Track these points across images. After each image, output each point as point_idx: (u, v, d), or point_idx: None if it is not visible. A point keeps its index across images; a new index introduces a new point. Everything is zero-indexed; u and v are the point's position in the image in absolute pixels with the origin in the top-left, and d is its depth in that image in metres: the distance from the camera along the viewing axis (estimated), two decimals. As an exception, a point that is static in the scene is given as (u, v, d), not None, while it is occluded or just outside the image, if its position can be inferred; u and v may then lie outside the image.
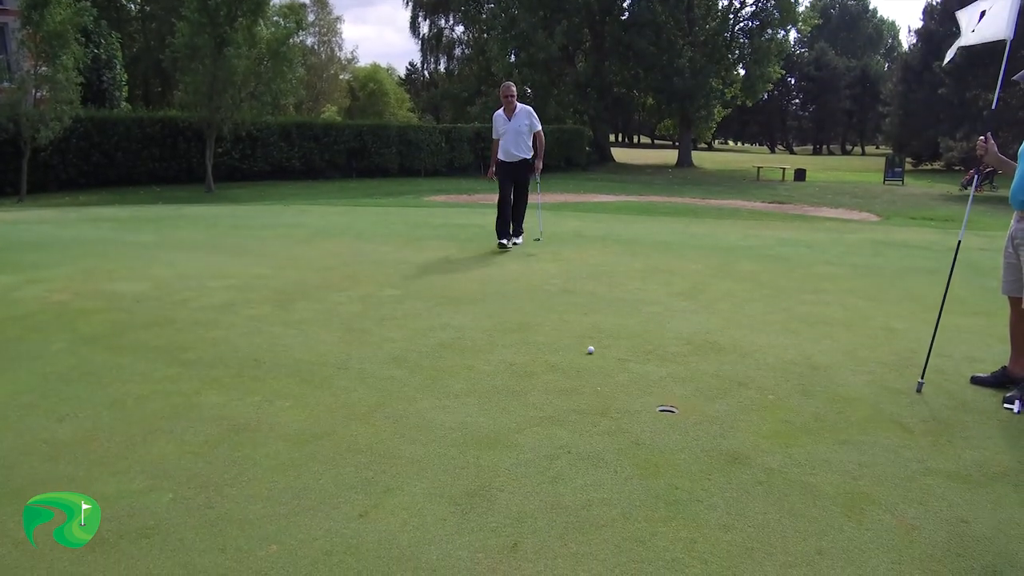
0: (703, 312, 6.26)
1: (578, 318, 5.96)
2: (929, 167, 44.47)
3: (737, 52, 43.25)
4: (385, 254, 8.85)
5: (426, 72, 64.72)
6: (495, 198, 9.64)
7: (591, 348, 5.04)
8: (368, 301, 6.38)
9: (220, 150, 24.74)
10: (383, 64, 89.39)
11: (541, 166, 9.59)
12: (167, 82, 40.43)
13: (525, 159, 9.36)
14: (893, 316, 6.37)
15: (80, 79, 20.51)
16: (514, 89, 9.49)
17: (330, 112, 57.44)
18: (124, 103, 28.66)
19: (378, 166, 29.26)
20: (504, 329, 5.56)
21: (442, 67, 61.35)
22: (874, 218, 15.39)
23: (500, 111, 9.46)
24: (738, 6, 42.84)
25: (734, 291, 7.18)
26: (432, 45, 58.79)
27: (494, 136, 9.59)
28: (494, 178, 9.53)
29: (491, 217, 9.70)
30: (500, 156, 9.43)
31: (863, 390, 4.44)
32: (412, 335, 5.35)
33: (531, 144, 9.40)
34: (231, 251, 9.10)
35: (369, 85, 60.47)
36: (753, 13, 42.57)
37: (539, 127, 9.43)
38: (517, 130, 9.25)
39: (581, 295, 6.78)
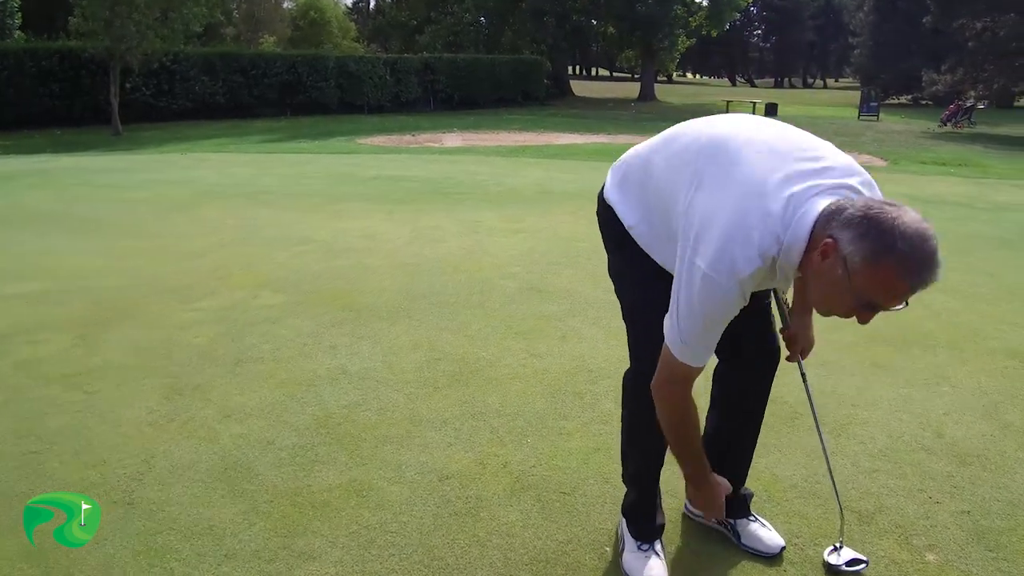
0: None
1: (554, 346, 3.83)
2: (896, 101, 42.79)
3: (703, -23, 40.62)
4: (285, 226, 6.56)
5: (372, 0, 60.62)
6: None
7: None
8: (230, 318, 4.16)
9: (129, 86, 21.66)
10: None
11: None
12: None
13: None
14: (1008, 326, 4.39)
15: (-52, 1, 17.29)
16: None
17: (268, 44, 53.46)
18: (18, 33, 25.07)
19: (315, 102, 26.34)
20: (435, 378, 3.41)
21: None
22: (881, 162, 13.42)
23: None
24: (705, -73, 40.03)
25: (767, 283, 5.12)
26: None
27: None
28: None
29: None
30: None
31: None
32: (277, 399, 3.18)
33: None
34: (73, 226, 6.71)
35: (310, 14, 56.35)
36: (720, -66, 39.77)
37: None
38: None
39: (555, 297, 4.63)
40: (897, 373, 3.66)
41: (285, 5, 64.58)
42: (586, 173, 10.26)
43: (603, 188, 2.14)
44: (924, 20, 27.14)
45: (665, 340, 1.76)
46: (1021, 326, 4.42)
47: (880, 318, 4.31)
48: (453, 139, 15.60)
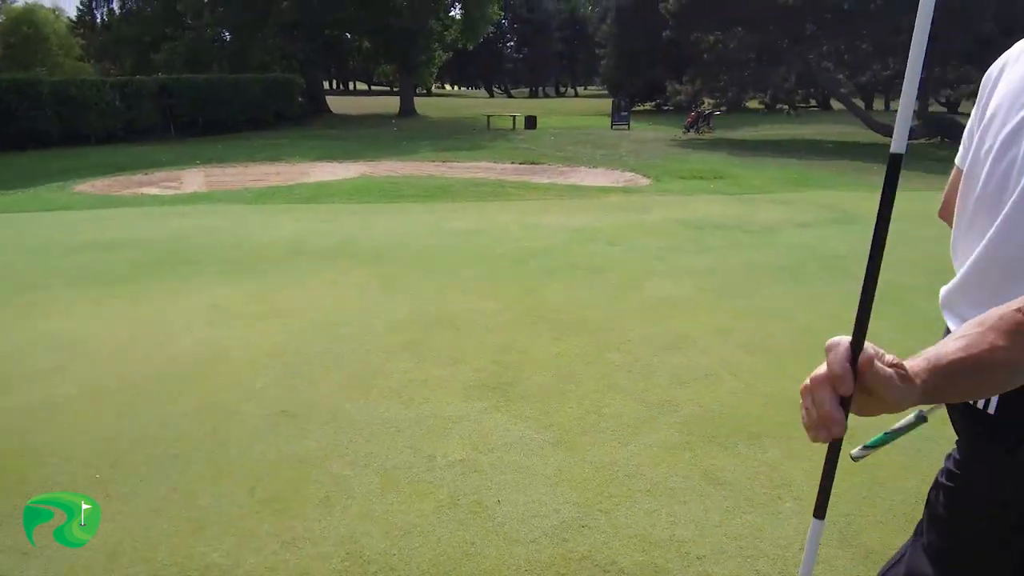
0: (553, 450, 3.39)
1: (315, 521, 2.83)
2: (642, 107, 45.69)
3: (454, -8, 40.73)
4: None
5: (99, 13, 54.71)
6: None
7: None
8: None
9: None
10: (47, 3, 75.27)
11: None
12: None
13: None
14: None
15: None
16: None
17: (-28, 64, 46.45)
18: None
19: (29, 133, 22.67)
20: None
21: (116, 6, 52.15)
22: (645, 180, 13.55)
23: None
24: (450, -59, 40.08)
25: (565, 355, 4.43)
26: (100, -21, 49.47)
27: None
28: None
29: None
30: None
31: None
32: None
33: None
34: None
35: (22, 28, 49.84)
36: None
37: None
38: None
39: (314, 424, 3.61)
40: (733, 489, 3.08)
41: (-2, 19, 56.71)
42: (346, 218, 9.17)
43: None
44: (664, 33, 28.84)
45: None
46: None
47: (702, 414, 3.68)
48: (194, 178, 13.67)
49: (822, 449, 2.96)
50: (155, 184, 13.08)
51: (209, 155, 18.28)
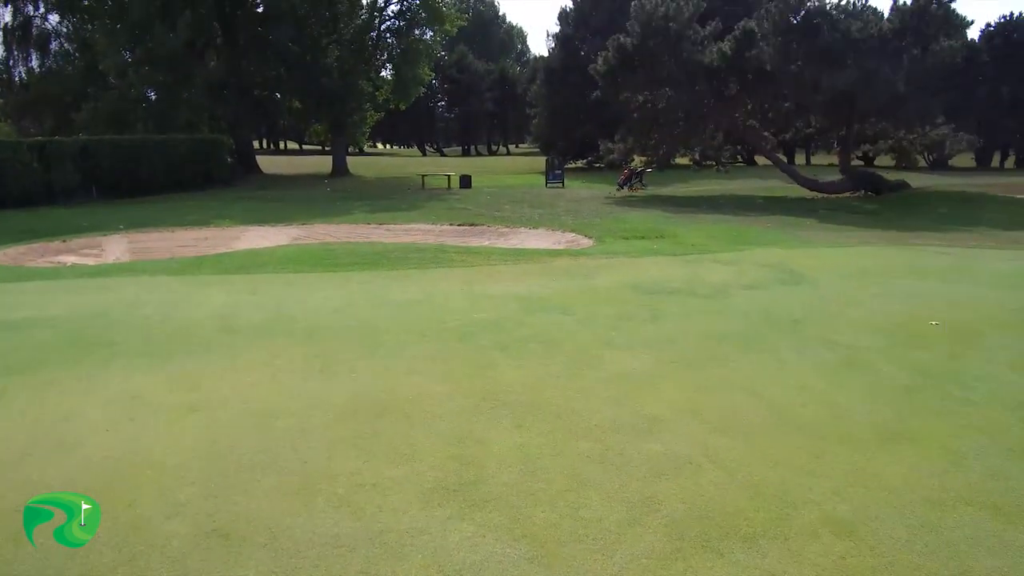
0: (530, 568, 2.97)
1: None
2: (574, 165, 46.33)
3: (385, 53, 40.78)
4: None
5: (18, 72, 52.89)
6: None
7: None
8: None
9: None
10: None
11: None
12: None
13: None
14: (809, 477, 3.71)
15: None
16: None
17: None
18: None
19: (-58, 198, 21.49)
20: None
21: (34, 64, 50.53)
22: (587, 241, 13.40)
23: None
24: (383, 4, 40.29)
25: (530, 446, 4.02)
26: (17, 36, 47.92)
27: None
28: None
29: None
30: None
31: None
32: None
33: None
34: None
35: (-67, 88, 47.89)
36: (399, 12, 40.33)
37: None
38: None
39: (251, 547, 3.11)
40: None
41: (-100, 77, 54.43)
42: (278, 292, 8.60)
43: None
44: (594, 94, 29.36)
45: None
46: (824, 475, 3.78)
47: (680, 500, 3.25)
48: (117, 245, 12.92)
49: (826, 551, 2.62)
50: (74, 252, 12.28)
51: (133, 219, 17.44)
